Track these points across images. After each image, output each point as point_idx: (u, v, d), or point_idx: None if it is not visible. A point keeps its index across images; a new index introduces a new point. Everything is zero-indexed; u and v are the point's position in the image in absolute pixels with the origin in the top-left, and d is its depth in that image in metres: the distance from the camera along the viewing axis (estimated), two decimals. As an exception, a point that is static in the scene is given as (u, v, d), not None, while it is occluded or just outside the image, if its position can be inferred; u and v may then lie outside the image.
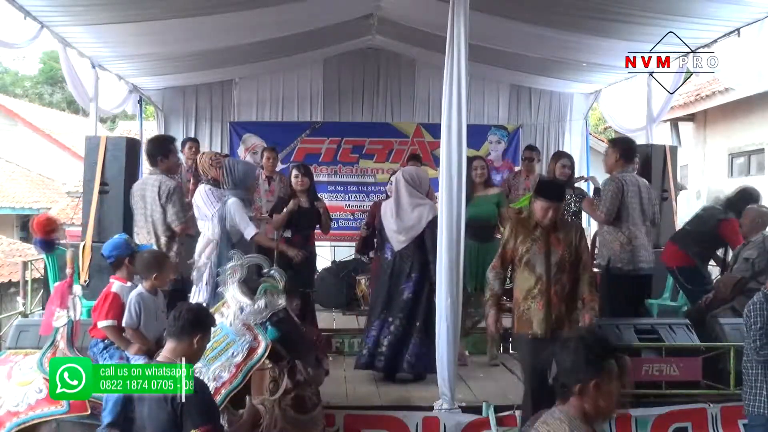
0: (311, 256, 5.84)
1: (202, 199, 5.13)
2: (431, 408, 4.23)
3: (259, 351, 3.62)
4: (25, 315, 6.36)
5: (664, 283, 6.50)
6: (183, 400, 2.74)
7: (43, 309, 6.30)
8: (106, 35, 6.28)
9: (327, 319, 6.81)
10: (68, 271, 4.10)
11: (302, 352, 3.79)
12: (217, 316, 3.71)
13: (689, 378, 4.49)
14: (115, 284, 3.91)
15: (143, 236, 4.92)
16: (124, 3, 5.56)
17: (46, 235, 5.50)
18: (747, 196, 5.71)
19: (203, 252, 5.08)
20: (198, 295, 4.99)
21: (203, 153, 5.48)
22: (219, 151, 9.14)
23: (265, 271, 3.86)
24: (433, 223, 4.74)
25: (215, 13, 6.01)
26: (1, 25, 5.10)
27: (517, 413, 4.14)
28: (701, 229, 5.73)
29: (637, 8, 5.59)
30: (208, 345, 3.54)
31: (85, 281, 5.94)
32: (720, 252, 5.82)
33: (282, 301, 3.77)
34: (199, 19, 6.06)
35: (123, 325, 3.77)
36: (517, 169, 7.99)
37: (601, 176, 5.92)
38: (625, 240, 4.93)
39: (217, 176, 5.21)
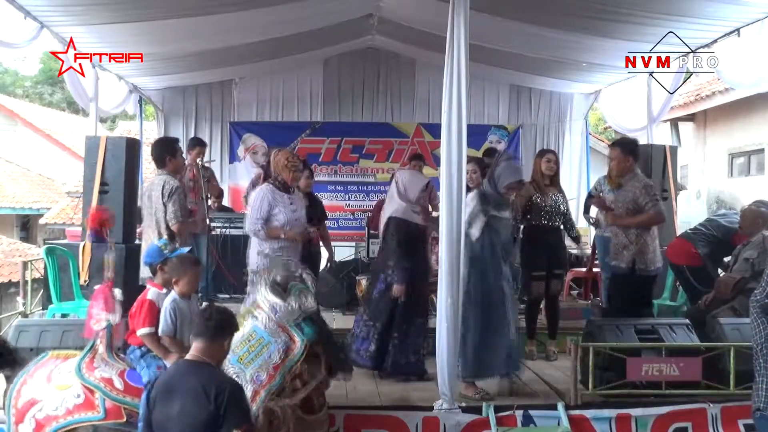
0: (316, 258, 5.81)
1: (251, 201, 4.83)
2: (431, 408, 4.23)
3: (296, 351, 3.62)
4: (25, 315, 6.36)
5: (663, 283, 6.50)
6: (227, 399, 2.78)
7: (43, 309, 6.32)
8: (106, 35, 6.29)
9: (327, 319, 6.80)
10: (110, 274, 4.06)
11: (334, 353, 3.82)
12: (250, 319, 3.72)
13: (689, 378, 4.48)
14: (151, 291, 3.85)
15: (149, 234, 4.93)
16: (124, 3, 5.56)
17: (100, 226, 5.51)
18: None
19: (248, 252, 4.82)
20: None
21: (279, 150, 5.09)
22: (220, 151, 9.18)
23: (293, 271, 3.84)
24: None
25: (215, 13, 6.02)
26: (1, 25, 5.10)
27: (517, 413, 4.14)
28: (716, 234, 5.74)
29: (637, 8, 5.59)
30: (245, 349, 3.57)
31: (84, 281, 5.94)
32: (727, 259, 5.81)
33: (313, 303, 3.77)
34: (199, 19, 6.07)
35: (159, 333, 3.72)
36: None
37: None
38: (652, 240, 4.99)
39: (289, 180, 4.82)
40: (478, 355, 4.40)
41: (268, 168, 4.95)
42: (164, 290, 3.84)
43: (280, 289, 3.73)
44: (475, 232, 4.42)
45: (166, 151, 5.06)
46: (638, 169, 5.19)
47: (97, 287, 4.04)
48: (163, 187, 4.90)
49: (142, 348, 3.78)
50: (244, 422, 2.86)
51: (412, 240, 4.97)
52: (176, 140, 5.43)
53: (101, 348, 3.77)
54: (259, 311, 3.73)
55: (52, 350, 4.04)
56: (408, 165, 7.27)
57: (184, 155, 6.56)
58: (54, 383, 3.71)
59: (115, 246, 4.43)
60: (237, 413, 2.83)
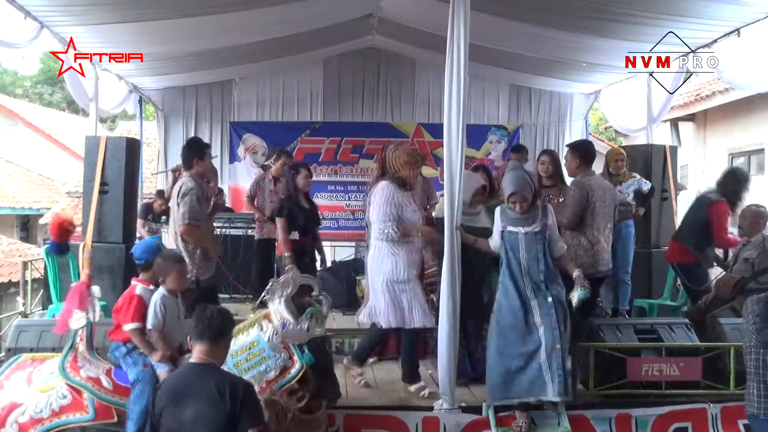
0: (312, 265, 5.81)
1: (377, 201, 4.50)
2: (431, 408, 4.23)
3: (293, 371, 3.62)
4: (25, 315, 6.37)
5: (664, 283, 6.51)
6: (242, 398, 2.79)
7: (43, 309, 6.32)
8: (106, 35, 6.28)
9: (327, 319, 6.80)
10: (86, 271, 4.04)
11: (327, 385, 3.82)
12: (256, 329, 3.70)
13: (689, 378, 4.49)
14: (138, 287, 3.84)
15: (170, 233, 4.92)
16: (124, 3, 5.56)
17: (60, 237, 5.49)
18: (733, 176, 5.73)
19: (380, 260, 4.53)
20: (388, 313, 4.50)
21: (396, 146, 4.79)
22: (220, 151, 9.17)
23: (314, 294, 3.82)
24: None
25: (215, 13, 6.02)
26: (1, 25, 5.10)
27: (517, 413, 4.14)
28: (694, 216, 5.73)
29: (637, 8, 5.59)
30: (243, 356, 3.58)
31: (85, 281, 5.94)
32: (720, 251, 5.80)
33: (323, 329, 3.77)
34: (199, 19, 6.06)
35: (149, 327, 3.71)
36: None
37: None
38: (587, 244, 4.75)
39: (409, 178, 4.55)
40: (492, 378, 4.11)
41: (384, 164, 4.66)
42: (151, 287, 3.85)
43: (295, 307, 3.69)
44: (497, 247, 4.25)
45: (194, 153, 4.99)
46: (590, 171, 4.98)
47: (73, 285, 4.02)
48: (180, 187, 4.82)
49: (127, 345, 3.76)
50: (259, 422, 2.89)
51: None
52: (207, 145, 5.33)
53: (81, 347, 3.75)
54: (266, 323, 3.70)
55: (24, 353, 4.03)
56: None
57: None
58: (35, 385, 3.67)
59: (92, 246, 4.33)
60: (252, 413, 2.85)
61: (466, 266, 4.35)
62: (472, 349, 4.80)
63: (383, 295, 4.51)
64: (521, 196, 4.08)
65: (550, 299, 4.03)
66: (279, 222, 5.55)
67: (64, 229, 5.65)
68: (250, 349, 3.63)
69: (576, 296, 4.09)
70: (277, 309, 3.67)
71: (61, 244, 5.68)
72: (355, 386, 4.77)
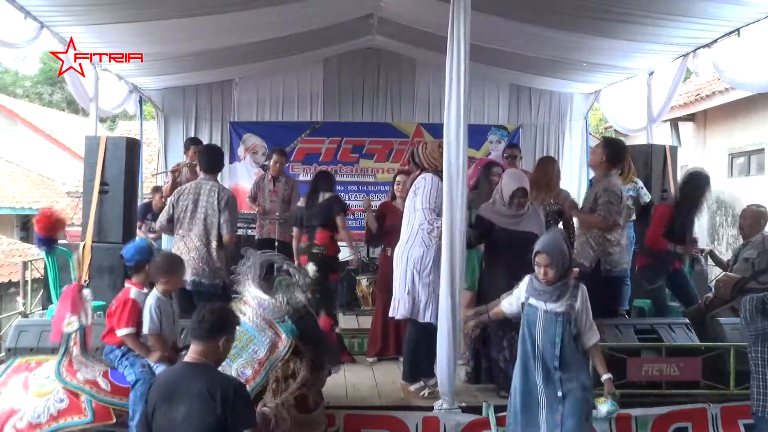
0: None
1: (426, 188, 4.50)
2: (431, 408, 4.23)
3: (281, 347, 3.63)
4: (25, 315, 6.36)
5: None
6: (234, 400, 2.76)
7: (43, 309, 6.32)
8: (106, 35, 6.28)
9: (327, 319, 6.82)
10: (77, 274, 4.05)
11: (321, 349, 3.82)
12: (238, 315, 3.72)
13: (689, 378, 4.50)
14: (133, 290, 3.85)
15: (190, 239, 4.93)
16: (124, 3, 5.56)
17: (48, 232, 5.47)
18: (692, 179, 5.71)
19: (410, 246, 4.51)
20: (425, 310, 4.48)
21: (426, 142, 4.86)
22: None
23: (278, 266, 3.84)
24: None
25: (215, 13, 6.01)
26: (1, 25, 5.10)
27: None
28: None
29: (637, 8, 5.58)
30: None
31: (85, 281, 5.93)
32: (724, 251, 5.80)
33: (301, 297, 3.77)
34: (199, 19, 6.06)
35: (146, 331, 3.72)
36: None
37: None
38: (616, 242, 4.87)
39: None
40: None
41: (422, 165, 4.69)
42: (145, 289, 3.85)
43: (266, 285, 3.72)
44: (514, 314, 3.81)
45: (223, 160, 5.30)
46: (613, 172, 5.04)
47: (65, 287, 4.02)
48: (219, 194, 4.96)
49: (122, 347, 3.77)
50: (253, 422, 2.88)
51: (481, 237, 4.63)
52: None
53: (75, 350, 3.74)
54: (246, 307, 3.72)
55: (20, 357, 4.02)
56: (407, 165, 7.26)
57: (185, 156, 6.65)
58: (32, 390, 3.67)
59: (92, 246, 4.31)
60: (246, 415, 2.83)
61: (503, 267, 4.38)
62: (492, 357, 4.61)
63: (403, 283, 4.51)
64: (548, 257, 3.49)
65: (560, 393, 3.51)
66: (342, 219, 5.70)
67: (50, 223, 5.62)
68: (236, 336, 3.64)
69: (605, 410, 3.60)
70: (250, 291, 3.69)
71: (49, 238, 5.64)
72: (355, 386, 4.77)
